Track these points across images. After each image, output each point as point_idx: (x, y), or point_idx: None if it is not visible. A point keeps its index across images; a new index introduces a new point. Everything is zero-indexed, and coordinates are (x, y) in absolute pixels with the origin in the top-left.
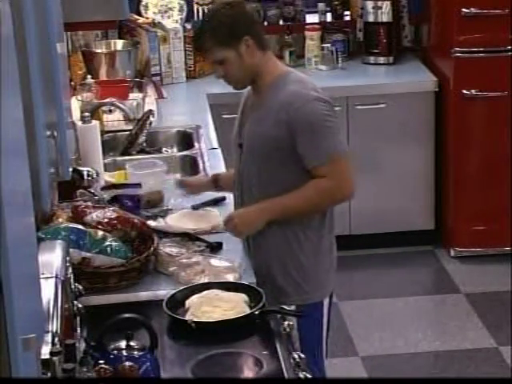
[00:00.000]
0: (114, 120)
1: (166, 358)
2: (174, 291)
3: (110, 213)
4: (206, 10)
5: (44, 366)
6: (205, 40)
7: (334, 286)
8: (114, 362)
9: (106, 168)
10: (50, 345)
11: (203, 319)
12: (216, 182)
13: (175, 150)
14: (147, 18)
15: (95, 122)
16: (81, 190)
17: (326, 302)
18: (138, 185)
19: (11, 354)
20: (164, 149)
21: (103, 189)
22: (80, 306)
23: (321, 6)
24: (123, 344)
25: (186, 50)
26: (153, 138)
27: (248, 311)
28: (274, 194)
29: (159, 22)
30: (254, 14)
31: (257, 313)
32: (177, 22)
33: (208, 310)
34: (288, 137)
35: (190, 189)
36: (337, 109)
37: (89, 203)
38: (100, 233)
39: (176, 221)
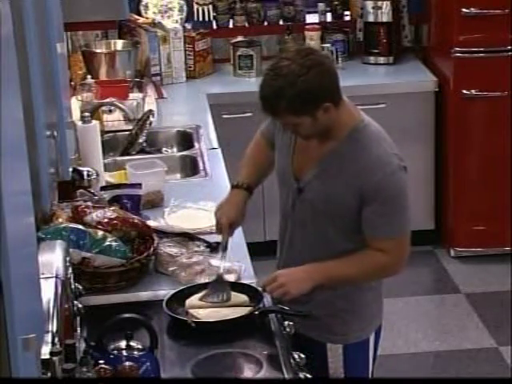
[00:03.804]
0: (114, 120)
1: (166, 358)
2: (173, 291)
3: (110, 213)
4: (278, 65)
5: (44, 366)
6: (279, 107)
7: (380, 319)
8: (114, 362)
9: (106, 168)
10: (49, 345)
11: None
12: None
13: (175, 150)
14: (147, 18)
15: (95, 122)
16: (81, 190)
17: (372, 337)
18: (138, 185)
19: (11, 354)
20: (164, 149)
21: (103, 189)
22: (80, 305)
23: (321, 5)
24: (123, 344)
25: (185, 50)
26: (153, 138)
27: (248, 311)
28: (322, 256)
29: (159, 22)
30: (333, 69)
31: (257, 313)
32: (177, 22)
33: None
34: (358, 204)
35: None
36: None
37: (89, 203)
38: (100, 233)
39: (176, 221)
